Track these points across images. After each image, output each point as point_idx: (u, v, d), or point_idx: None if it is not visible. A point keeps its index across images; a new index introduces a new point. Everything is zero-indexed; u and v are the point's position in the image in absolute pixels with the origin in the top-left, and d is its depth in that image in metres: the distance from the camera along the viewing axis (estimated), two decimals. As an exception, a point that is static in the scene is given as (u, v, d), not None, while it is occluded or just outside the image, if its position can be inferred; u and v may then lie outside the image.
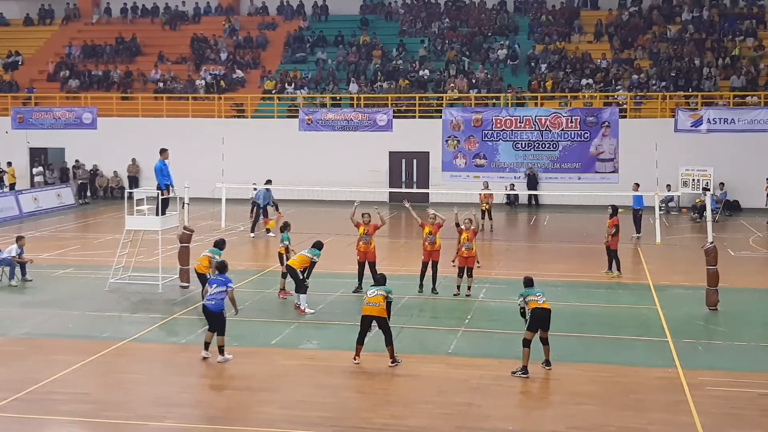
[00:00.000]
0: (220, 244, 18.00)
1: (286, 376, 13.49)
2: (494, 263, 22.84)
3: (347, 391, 13.02)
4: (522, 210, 35.18)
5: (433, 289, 19.18)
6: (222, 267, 14.63)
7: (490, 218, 28.35)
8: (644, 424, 11.56)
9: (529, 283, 14.06)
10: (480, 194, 28.83)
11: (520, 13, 44.48)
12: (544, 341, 13.65)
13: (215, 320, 14.15)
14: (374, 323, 13.88)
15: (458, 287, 19.05)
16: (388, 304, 13.89)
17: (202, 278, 17.25)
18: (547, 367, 13.67)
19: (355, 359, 13.99)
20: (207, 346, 14.36)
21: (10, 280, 20.36)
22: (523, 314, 13.81)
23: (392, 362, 13.92)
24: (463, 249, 18.93)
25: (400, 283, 19.85)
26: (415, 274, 19.49)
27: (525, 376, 13.31)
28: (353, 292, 19.09)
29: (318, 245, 17.93)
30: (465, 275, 19.02)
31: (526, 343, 13.44)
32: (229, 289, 14.20)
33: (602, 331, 16.24)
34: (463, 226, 19.06)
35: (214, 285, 14.29)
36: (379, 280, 14.40)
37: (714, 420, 11.65)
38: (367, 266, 19.12)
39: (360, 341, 13.98)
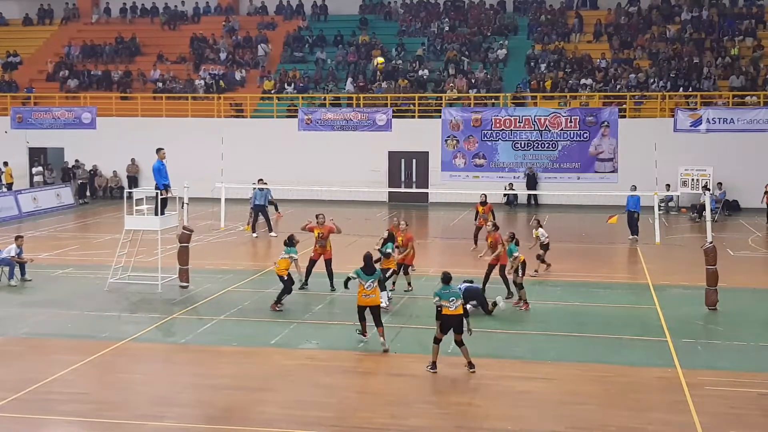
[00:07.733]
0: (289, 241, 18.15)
1: (285, 376, 13.47)
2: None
3: (347, 391, 13.00)
4: (521, 210, 35.15)
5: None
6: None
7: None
8: (644, 424, 11.56)
9: (446, 280, 13.52)
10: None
11: (520, 13, 44.50)
12: (459, 343, 13.42)
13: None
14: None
15: (408, 283, 19.35)
16: None
17: (286, 281, 17.60)
18: (471, 370, 13.40)
19: None
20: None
21: (9, 279, 20.34)
22: (437, 316, 13.46)
23: None
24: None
25: (399, 283, 19.91)
26: (415, 275, 19.41)
27: (433, 371, 13.37)
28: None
29: (390, 238, 18.68)
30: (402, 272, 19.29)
31: (437, 341, 13.43)
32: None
33: (602, 331, 16.21)
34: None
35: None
36: None
37: (713, 420, 11.64)
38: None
39: None
